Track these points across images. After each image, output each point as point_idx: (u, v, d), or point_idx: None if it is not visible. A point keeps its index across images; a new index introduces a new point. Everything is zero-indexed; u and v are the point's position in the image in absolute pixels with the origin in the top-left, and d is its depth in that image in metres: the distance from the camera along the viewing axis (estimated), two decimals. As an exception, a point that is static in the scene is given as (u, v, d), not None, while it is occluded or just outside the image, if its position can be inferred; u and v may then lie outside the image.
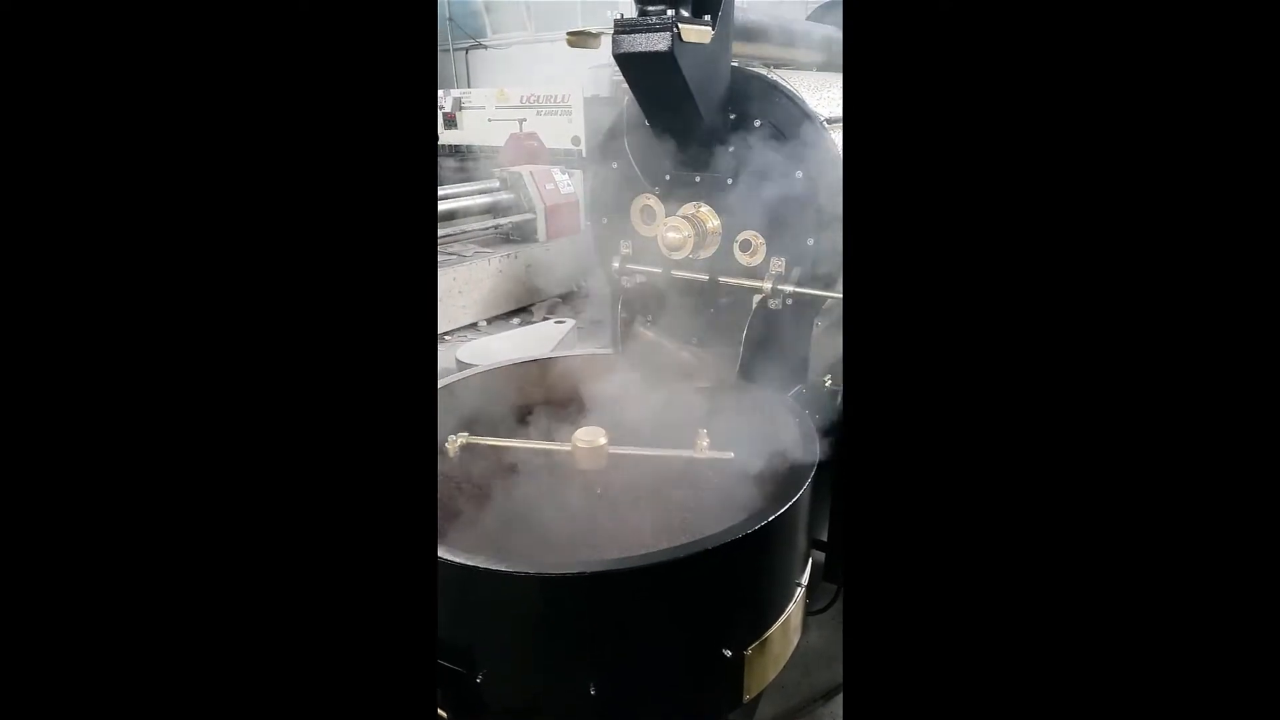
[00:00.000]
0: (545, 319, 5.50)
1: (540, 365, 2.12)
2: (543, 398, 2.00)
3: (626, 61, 1.60)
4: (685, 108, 1.70)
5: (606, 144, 2.04)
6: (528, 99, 9.26)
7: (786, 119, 1.76)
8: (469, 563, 1.20)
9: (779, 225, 1.81)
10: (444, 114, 10.01)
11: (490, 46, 12.32)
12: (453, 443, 1.73)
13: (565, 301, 6.12)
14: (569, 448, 1.68)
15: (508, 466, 1.80)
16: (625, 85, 1.75)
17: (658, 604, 1.29)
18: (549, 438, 1.80)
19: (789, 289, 1.82)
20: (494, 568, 1.20)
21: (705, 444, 1.53)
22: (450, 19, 12.10)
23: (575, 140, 8.80)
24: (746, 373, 1.88)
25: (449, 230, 5.99)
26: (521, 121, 8.79)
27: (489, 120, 9.73)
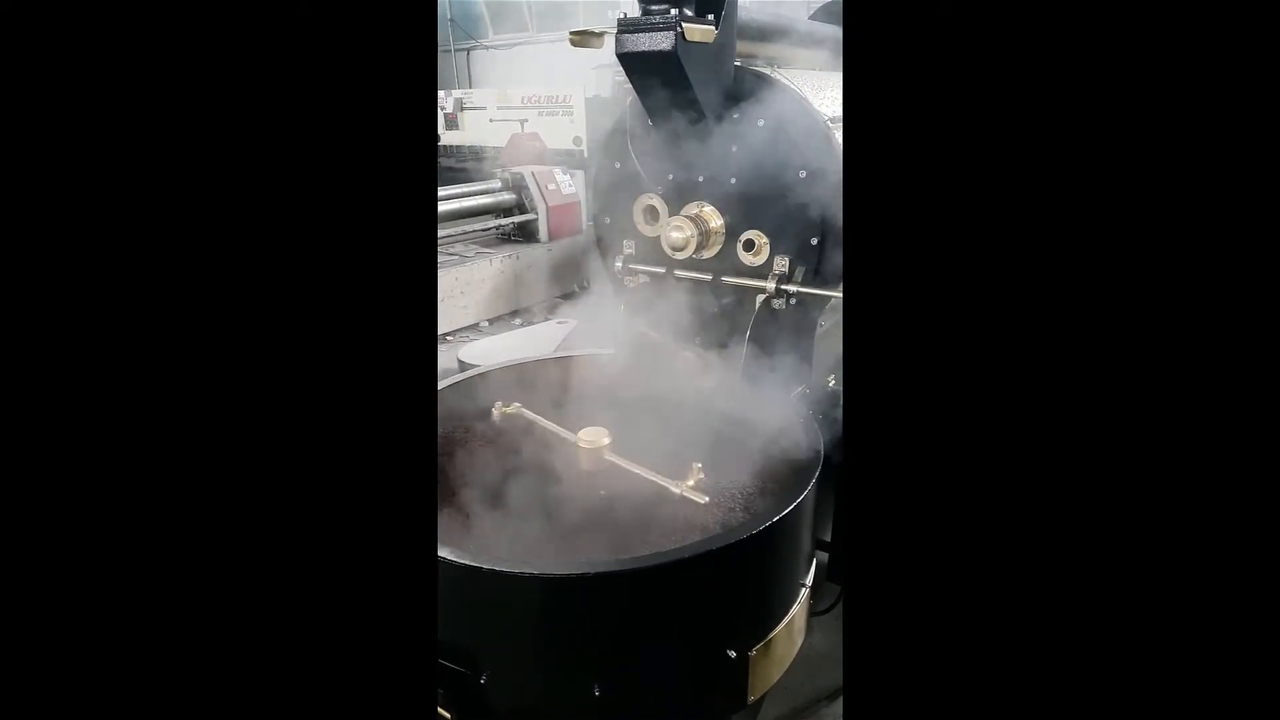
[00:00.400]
0: (547, 319, 5.49)
1: (546, 364, 2.13)
2: (551, 395, 2.01)
3: (630, 61, 1.59)
4: (688, 107, 1.70)
5: (609, 143, 2.03)
6: (529, 99, 9.26)
7: (790, 118, 1.76)
8: (473, 563, 1.19)
9: (782, 225, 1.80)
10: (445, 115, 10.01)
11: (491, 47, 12.32)
12: (499, 408, 1.88)
13: (567, 301, 6.12)
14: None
15: (524, 449, 1.87)
16: (627, 85, 1.74)
17: (661, 605, 1.29)
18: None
19: (793, 289, 1.82)
20: (498, 568, 1.19)
21: (691, 482, 1.50)
22: (451, 19, 12.09)
23: (577, 140, 8.79)
24: (750, 373, 1.88)
25: (450, 231, 5.99)
26: (523, 122, 8.78)
27: (490, 121, 9.73)
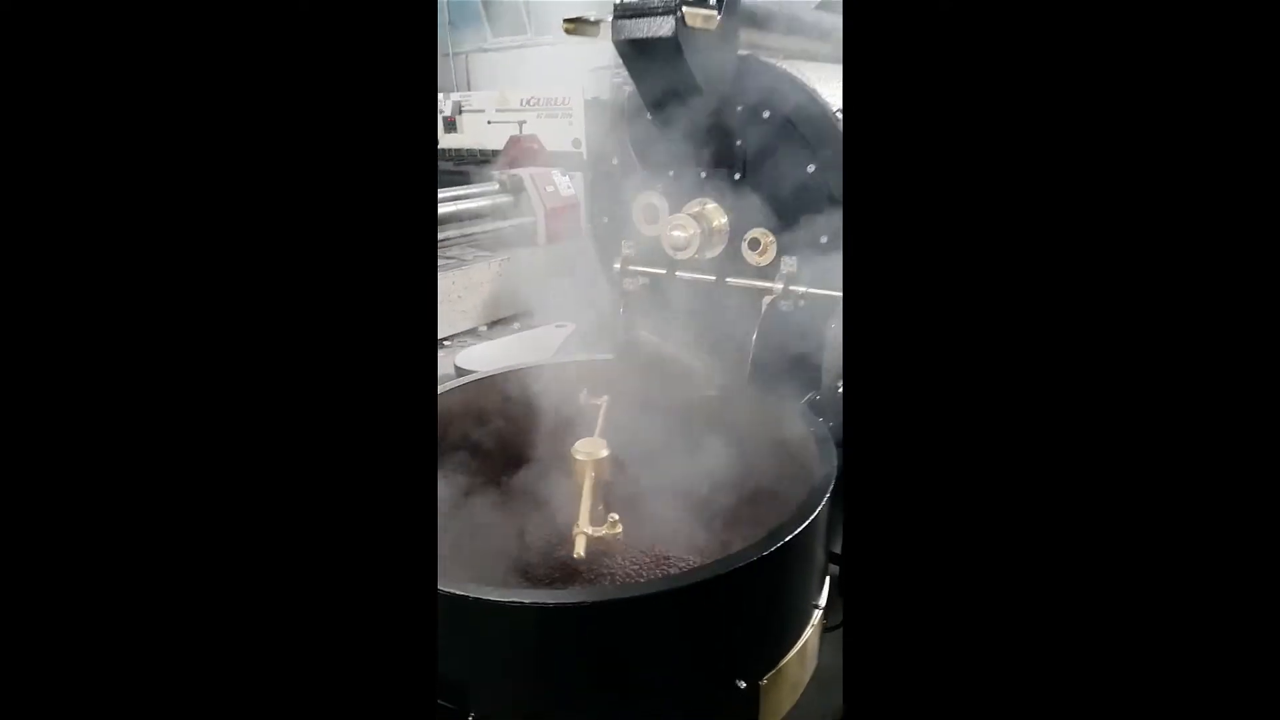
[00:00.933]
0: (546, 323, 5.43)
1: (546, 370, 2.04)
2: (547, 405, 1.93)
3: (628, 49, 1.53)
4: (690, 99, 1.62)
5: (606, 139, 1.96)
6: (528, 102, 9.25)
7: (797, 111, 1.68)
8: (459, 592, 1.10)
9: (790, 222, 1.73)
10: (444, 118, 10.00)
11: (490, 50, 12.32)
12: (588, 398, 1.78)
13: (561, 305, 6.05)
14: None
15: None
16: (627, 87, 1.68)
17: (664, 634, 1.19)
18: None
19: (801, 290, 1.74)
20: (487, 597, 1.10)
21: (590, 531, 1.39)
22: (450, 22, 12.10)
23: (576, 142, 8.78)
24: (756, 378, 1.80)
25: (448, 234, 5.94)
26: (521, 124, 8.77)
27: (489, 123, 9.72)
